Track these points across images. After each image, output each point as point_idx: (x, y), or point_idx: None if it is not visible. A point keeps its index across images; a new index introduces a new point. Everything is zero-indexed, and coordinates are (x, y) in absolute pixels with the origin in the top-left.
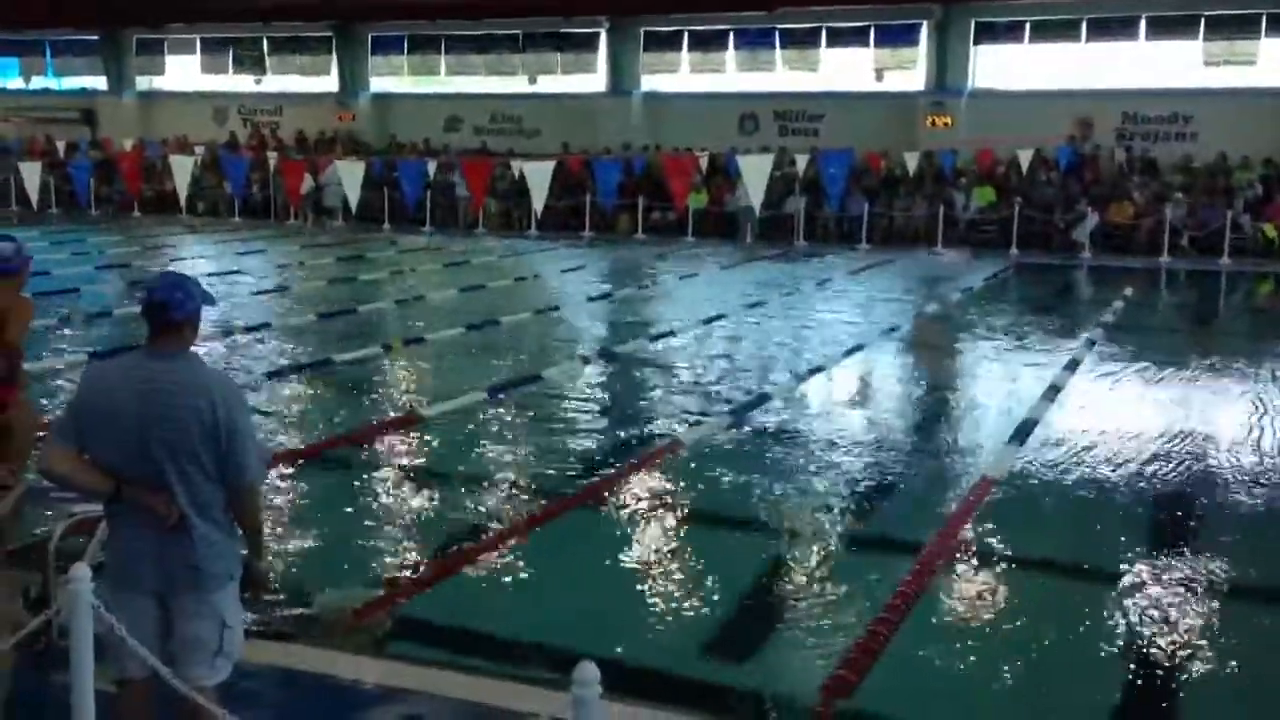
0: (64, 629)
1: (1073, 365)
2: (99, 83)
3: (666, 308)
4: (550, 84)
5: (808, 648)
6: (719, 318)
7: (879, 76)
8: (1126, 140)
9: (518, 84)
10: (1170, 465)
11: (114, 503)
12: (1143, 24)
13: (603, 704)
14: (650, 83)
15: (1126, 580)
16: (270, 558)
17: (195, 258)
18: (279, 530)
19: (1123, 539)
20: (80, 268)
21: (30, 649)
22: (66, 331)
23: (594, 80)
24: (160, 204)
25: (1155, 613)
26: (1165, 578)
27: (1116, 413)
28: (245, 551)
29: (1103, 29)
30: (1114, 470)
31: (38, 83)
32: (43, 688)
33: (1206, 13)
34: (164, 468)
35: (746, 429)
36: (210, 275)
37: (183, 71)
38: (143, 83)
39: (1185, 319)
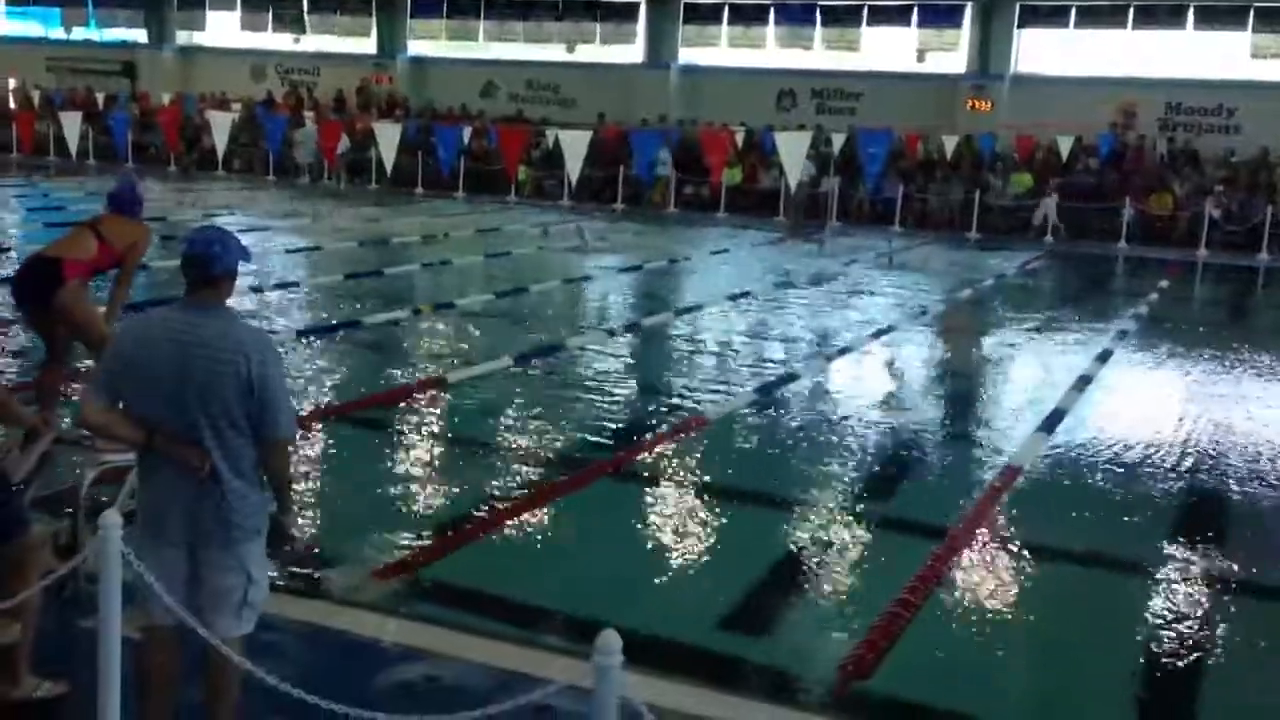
0: (92, 575)
1: (1104, 356)
2: (140, 36)
3: (695, 282)
4: (588, 53)
5: (827, 626)
6: (747, 294)
7: (920, 57)
8: (1169, 131)
9: (555, 52)
10: (1199, 459)
11: (147, 453)
12: (1191, 13)
13: (623, 673)
14: (688, 56)
15: (1150, 572)
16: (296, 514)
17: (229, 214)
18: (305, 488)
19: (1148, 531)
20: None
21: (58, 594)
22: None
23: (632, 51)
24: (197, 159)
25: (1178, 604)
26: (1190, 570)
27: (1147, 405)
28: (273, 507)
29: (1149, 16)
30: (1142, 462)
31: (79, 34)
32: (68, 633)
33: (1256, 4)
34: (198, 421)
35: (771, 406)
36: (243, 232)
37: (222, 28)
38: (183, 37)
39: (1220, 313)
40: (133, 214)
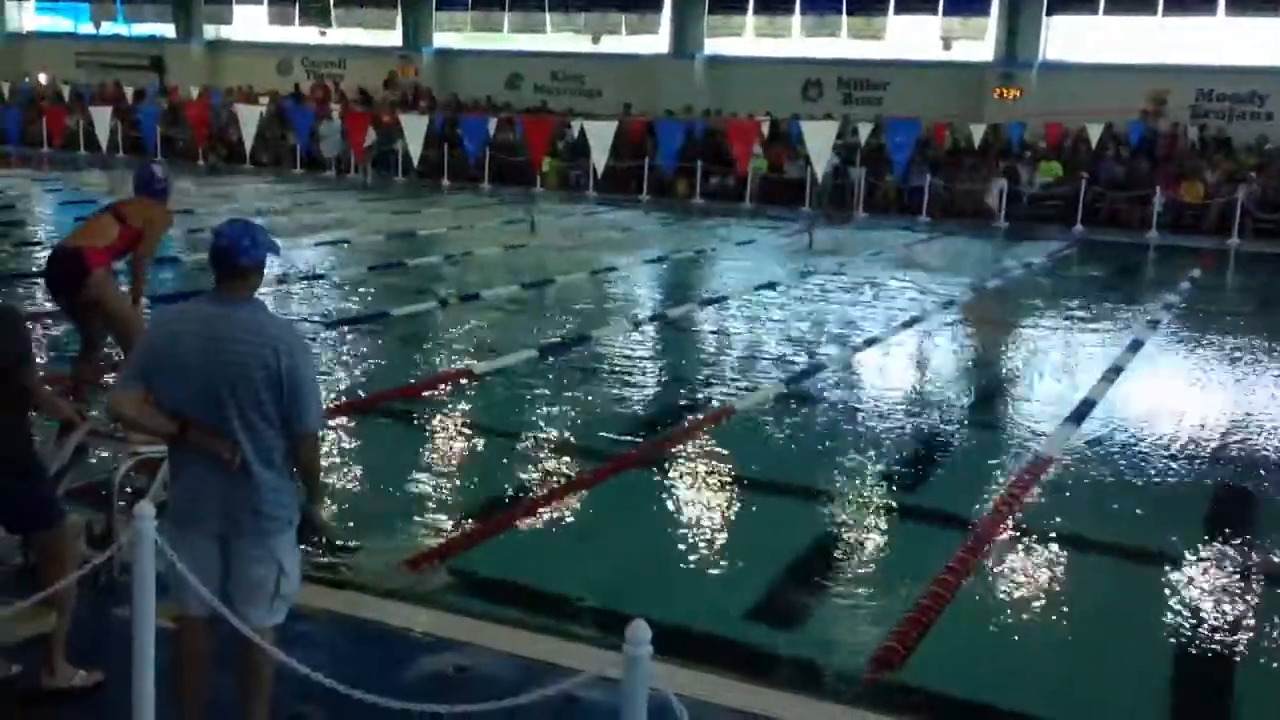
0: (126, 565)
1: (1135, 346)
2: (168, 30)
3: (721, 273)
4: (613, 44)
5: (856, 617)
6: (773, 285)
7: (946, 45)
8: (1201, 118)
9: (580, 43)
10: (1232, 450)
11: (178, 445)
12: None
13: (652, 664)
14: (714, 46)
15: (1181, 564)
16: (327, 505)
17: (258, 207)
18: (334, 479)
19: (1180, 522)
20: None
21: (92, 584)
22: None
23: (657, 42)
24: (226, 153)
25: (1209, 597)
26: (1222, 562)
27: (1179, 395)
28: (303, 498)
29: (1180, 2)
30: (1174, 453)
31: (108, 29)
32: (104, 623)
33: None
34: (228, 413)
35: (799, 397)
36: (272, 225)
37: (249, 22)
38: (210, 32)
39: (1253, 302)
40: (154, 194)
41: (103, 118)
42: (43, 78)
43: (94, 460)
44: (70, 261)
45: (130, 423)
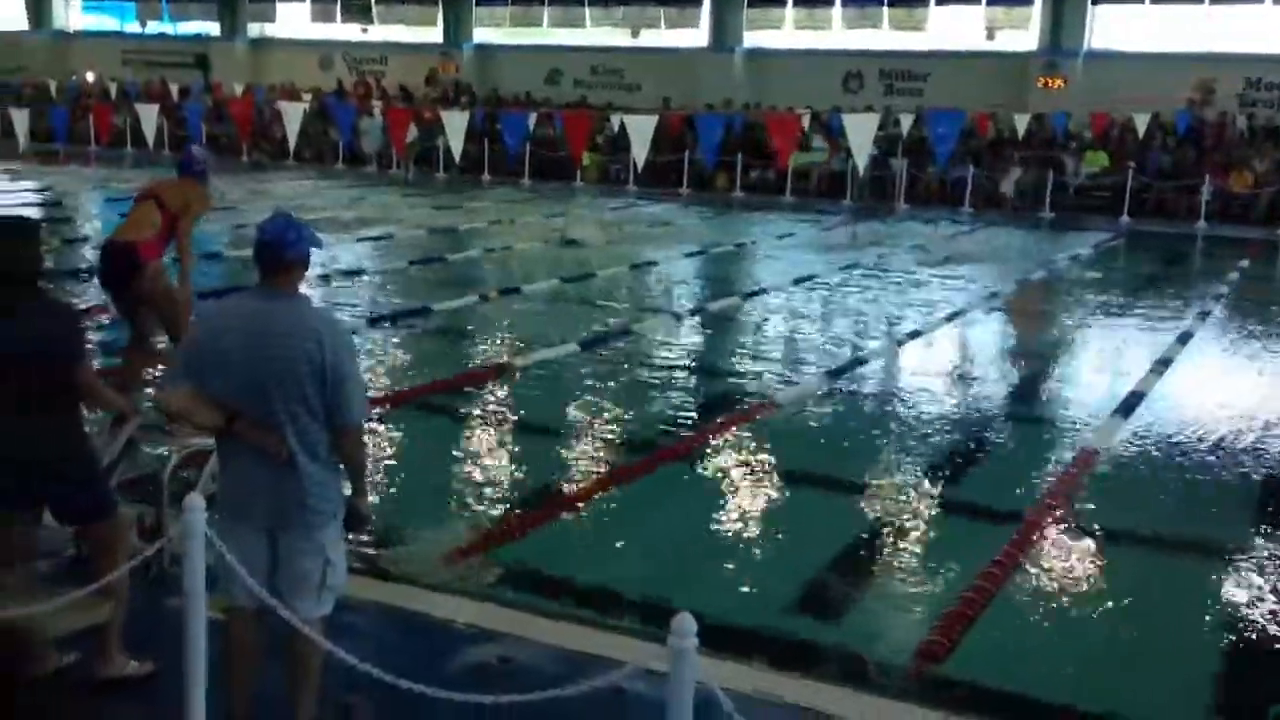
0: (176, 558)
1: (1184, 338)
2: (213, 28)
3: (761, 266)
4: (652, 38)
5: (901, 611)
6: (813, 278)
7: (990, 35)
8: (1249, 106)
9: (619, 38)
10: None
11: (226, 438)
12: None
13: (698, 656)
14: (753, 39)
15: (1230, 558)
16: (371, 497)
17: (301, 204)
18: (378, 472)
19: (1230, 517)
20: None
21: (144, 576)
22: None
23: (696, 35)
24: (269, 150)
25: (1258, 591)
26: (1270, 557)
27: (1229, 388)
28: (348, 490)
29: None
30: (1224, 446)
31: (154, 27)
32: (156, 614)
33: None
34: (274, 407)
35: (841, 390)
36: (315, 220)
37: (292, 19)
38: (254, 29)
39: None
40: (193, 175)
41: (149, 115)
42: (90, 76)
43: (145, 457)
44: (121, 256)
45: (178, 415)
